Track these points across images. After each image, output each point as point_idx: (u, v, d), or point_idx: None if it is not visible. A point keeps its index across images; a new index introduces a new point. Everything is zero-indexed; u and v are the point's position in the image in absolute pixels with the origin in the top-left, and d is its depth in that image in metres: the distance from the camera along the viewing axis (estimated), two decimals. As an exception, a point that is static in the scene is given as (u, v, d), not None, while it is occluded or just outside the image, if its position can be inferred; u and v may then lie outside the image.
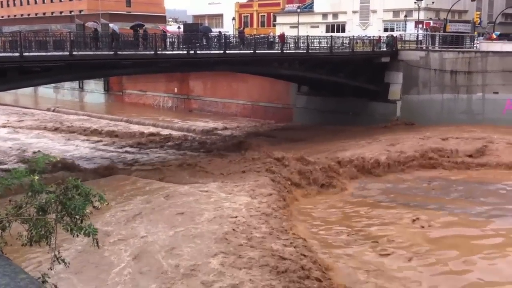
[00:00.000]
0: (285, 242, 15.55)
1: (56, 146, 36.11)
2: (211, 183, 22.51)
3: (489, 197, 22.40)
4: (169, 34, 33.79)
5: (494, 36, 48.13)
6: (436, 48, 39.98)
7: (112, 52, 25.78)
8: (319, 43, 36.83)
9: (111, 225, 17.49)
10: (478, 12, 56.20)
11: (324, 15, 66.86)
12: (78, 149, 35.38)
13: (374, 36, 41.90)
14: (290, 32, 49.14)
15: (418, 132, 33.19)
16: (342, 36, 43.61)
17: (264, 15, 77.29)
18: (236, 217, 17.55)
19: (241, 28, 54.20)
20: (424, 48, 40.42)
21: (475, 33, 48.77)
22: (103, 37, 27.65)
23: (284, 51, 34.33)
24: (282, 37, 36.06)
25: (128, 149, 34.84)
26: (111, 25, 29.35)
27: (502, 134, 30.70)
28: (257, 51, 32.44)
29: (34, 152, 31.67)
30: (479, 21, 54.75)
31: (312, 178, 23.71)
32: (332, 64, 37.55)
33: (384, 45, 40.09)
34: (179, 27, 62.95)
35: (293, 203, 21.18)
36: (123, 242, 16.00)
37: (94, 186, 9.01)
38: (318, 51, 36.29)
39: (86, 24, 30.34)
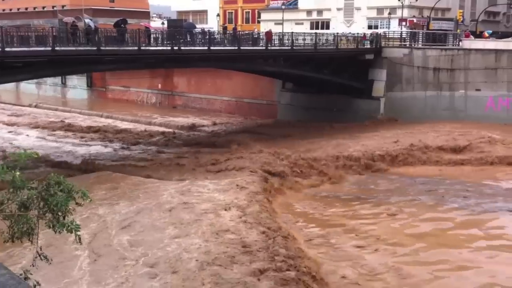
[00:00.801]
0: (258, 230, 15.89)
1: (38, 142, 35.73)
2: (196, 179, 22.49)
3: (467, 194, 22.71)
4: (153, 30, 33.58)
5: (487, 35, 48.72)
6: (420, 46, 40.23)
7: (95, 48, 25.52)
8: (304, 40, 36.86)
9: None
10: (461, 10, 56.73)
11: (309, 12, 66.97)
12: (60, 145, 35.03)
13: (358, 34, 42.07)
14: (274, 29, 49.00)
15: (401, 129, 33.48)
16: (327, 33, 43.69)
17: (248, 12, 77.16)
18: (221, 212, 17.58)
19: (234, 26, 53.93)
20: (407, 45, 40.67)
21: (458, 30, 49.18)
22: (81, 32, 27.23)
23: (269, 48, 34.32)
24: (269, 34, 36.06)
25: (112, 145, 34.58)
26: (86, 20, 28.97)
27: (483, 130, 31.08)
28: (241, 48, 32.38)
29: (14, 148, 31.36)
30: (462, 19, 55.28)
31: (295, 173, 23.77)
32: (317, 61, 37.64)
33: (368, 42, 40.26)
34: (163, 23, 62.65)
35: (275, 198, 21.20)
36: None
37: (77, 182, 8.93)
38: (302, 48, 36.33)
39: (63, 20, 29.82)
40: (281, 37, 36.39)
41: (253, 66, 36.29)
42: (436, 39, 41.92)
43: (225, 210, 17.53)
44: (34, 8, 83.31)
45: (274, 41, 35.52)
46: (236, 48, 32.08)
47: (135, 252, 14.90)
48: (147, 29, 31.08)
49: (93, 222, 17.31)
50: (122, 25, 30.83)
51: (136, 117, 46.08)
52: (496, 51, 36.13)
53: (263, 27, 62.69)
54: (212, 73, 47.10)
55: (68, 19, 28.69)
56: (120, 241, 15.75)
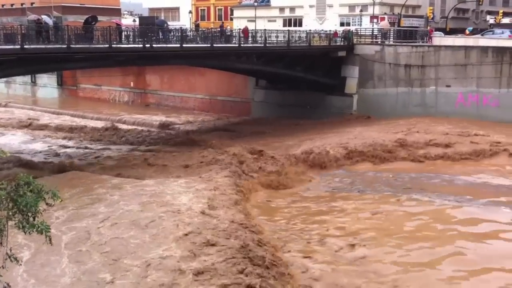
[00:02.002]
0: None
1: (7, 142, 35.08)
2: (169, 177, 22.37)
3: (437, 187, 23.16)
4: (124, 27, 33.18)
5: (468, 32, 49.48)
6: (391, 43, 40.64)
7: (65, 46, 25.12)
8: (277, 37, 36.88)
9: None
10: (431, 7, 57.53)
11: (281, 9, 67.10)
12: (29, 144, 34.46)
13: (330, 31, 42.30)
14: (248, 26, 49.01)
15: (372, 125, 33.80)
16: (299, 30, 43.87)
17: (221, 9, 76.99)
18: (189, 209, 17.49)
19: (197, 23, 53.68)
20: (379, 42, 41.06)
21: (428, 27, 49.85)
22: (44, 30, 26.58)
23: (242, 45, 34.25)
24: (245, 31, 36.00)
25: (83, 144, 34.11)
26: (43, 16, 28.35)
27: (451, 126, 31.63)
28: (214, 45, 32.23)
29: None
30: (432, 16, 56.07)
31: (268, 170, 23.81)
32: (290, 58, 37.75)
33: (340, 39, 40.48)
34: (134, 20, 62.03)
35: (249, 195, 21.21)
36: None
37: (47, 182, 8.78)
38: (275, 45, 36.36)
39: (27, 17, 29.15)
40: (254, 34, 36.40)
41: (226, 64, 36.20)
42: (407, 36, 42.39)
43: (190, 211, 17.31)
44: (3, 5, 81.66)
45: (247, 39, 35.50)
46: (209, 45, 31.94)
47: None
48: (118, 26, 30.65)
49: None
50: (93, 23, 30.40)
51: (108, 115, 45.59)
52: (466, 47, 36.71)
53: (236, 24, 62.63)
54: (185, 70, 46.88)
55: (32, 17, 28.01)
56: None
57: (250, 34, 36.01)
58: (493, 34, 47.29)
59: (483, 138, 28.72)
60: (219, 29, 35.82)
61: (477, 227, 18.23)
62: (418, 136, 29.48)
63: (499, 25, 56.08)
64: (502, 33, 47.04)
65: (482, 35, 46.94)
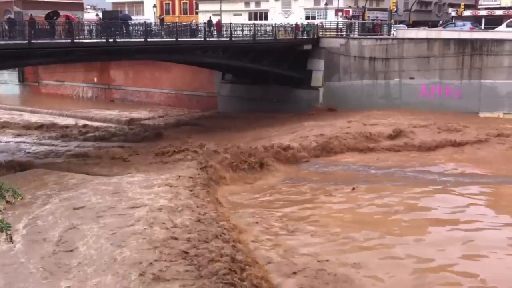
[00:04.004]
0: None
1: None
2: (134, 174, 22.12)
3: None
4: (86, 22, 32.55)
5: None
6: (356, 36, 41.01)
7: (25, 41, 24.55)
8: (242, 30, 36.78)
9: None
10: (395, 1, 58.24)
11: (247, 3, 66.97)
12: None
13: (293, 24, 42.41)
14: (212, 20, 48.72)
15: (338, 118, 34.10)
16: (265, 24, 43.87)
17: (186, 3, 76.33)
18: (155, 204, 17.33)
19: (162, 17, 53.18)
20: (344, 35, 41.37)
21: (392, 20, 50.51)
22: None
23: (208, 39, 34.07)
24: (218, 25, 35.83)
25: (46, 141, 33.37)
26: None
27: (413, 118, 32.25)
28: (179, 39, 31.95)
29: None
30: (395, 9, 56.79)
31: (234, 164, 23.78)
32: (256, 52, 37.71)
33: (300, 32, 40.60)
34: (97, 15, 60.97)
35: (216, 190, 21.13)
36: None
37: (8, 180, 8.55)
38: (241, 39, 36.26)
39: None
40: (214, 28, 36.24)
41: (192, 58, 35.97)
42: (371, 29, 42.86)
43: (160, 210, 17.14)
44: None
45: (212, 33, 35.32)
46: (174, 39, 31.66)
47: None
48: (68, 20, 29.48)
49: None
50: (54, 18, 29.76)
51: (71, 112, 44.79)
52: (428, 40, 37.32)
53: (201, 18, 62.19)
54: (150, 65, 46.38)
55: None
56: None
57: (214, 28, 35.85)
58: (455, 26, 48.25)
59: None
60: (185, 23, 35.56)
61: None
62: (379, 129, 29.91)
63: (461, 17, 57.28)
64: (464, 25, 48.05)
65: (444, 27, 47.84)
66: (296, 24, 41.65)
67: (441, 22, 56.50)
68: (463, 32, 40.90)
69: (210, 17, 43.74)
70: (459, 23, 50.74)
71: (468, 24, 48.27)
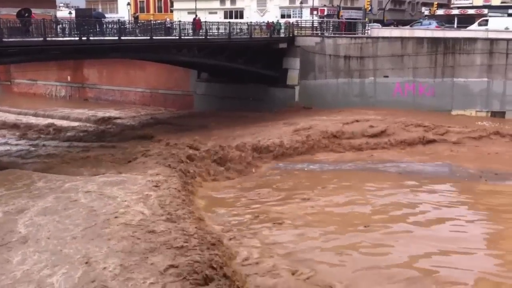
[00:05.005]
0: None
1: None
2: (109, 174, 21.86)
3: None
4: (60, 20, 32.02)
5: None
6: (331, 34, 41.17)
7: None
8: (218, 29, 36.62)
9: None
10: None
11: (222, 1, 66.90)
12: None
13: (265, 22, 42.36)
14: (188, 18, 48.50)
15: (313, 116, 34.26)
16: (241, 23, 43.78)
17: (161, 0, 75.83)
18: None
19: (136, 15, 52.73)
20: (319, 34, 41.51)
21: (366, 19, 50.88)
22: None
23: (182, 37, 33.82)
24: (197, 23, 35.60)
25: (19, 142, 32.84)
26: None
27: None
28: (154, 37, 31.66)
29: None
30: (370, 8, 57.26)
31: (210, 163, 23.72)
32: (231, 50, 37.56)
33: (271, 30, 40.59)
34: (70, 13, 60.20)
35: (191, 189, 21.05)
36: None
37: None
38: (216, 37, 36.10)
39: None
40: (194, 26, 36.01)
41: (167, 56, 35.65)
42: (346, 28, 43.07)
43: (128, 208, 16.97)
44: None
45: (187, 31, 35.08)
46: (149, 38, 31.37)
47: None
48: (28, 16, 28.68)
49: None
50: (26, 15, 29.16)
51: (44, 111, 44.10)
52: (402, 38, 37.62)
53: (176, 17, 61.88)
54: (124, 64, 45.93)
55: None
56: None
57: (190, 27, 35.57)
58: (421, 25, 48.86)
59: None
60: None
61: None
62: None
63: (434, 16, 58.02)
64: (430, 24, 48.74)
65: (411, 26, 48.29)
66: (268, 22, 41.67)
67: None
68: (436, 31, 41.39)
69: (196, 15, 43.57)
70: (426, 21, 51.50)
71: (434, 23, 48.95)
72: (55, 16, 44.46)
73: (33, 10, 33.79)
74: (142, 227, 15.25)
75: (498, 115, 34.46)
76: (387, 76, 37.26)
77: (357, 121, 31.42)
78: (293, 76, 40.00)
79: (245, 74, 39.35)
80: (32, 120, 40.44)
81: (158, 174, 21.05)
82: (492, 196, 21.00)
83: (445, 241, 16.11)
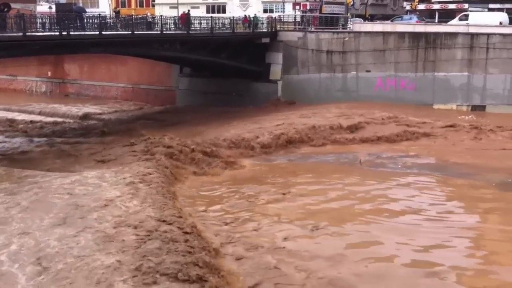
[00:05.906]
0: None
1: None
2: (88, 170, 21.61)
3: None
4: (39, 15, 31.66)
5: None
6: (313, 29, 41.24)
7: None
8: (200, 23, 36.52)
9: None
10: (351, -6, 58.80)
11: (204, -5, 66.54)
12: None
13: (240, 16, 42.38)
14: (169, 13, 48.20)
15: (296, 110, 34.29)
16: (223, 17, 43.64)
17: (142, -5, 75.21)
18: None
19: (117, 10, 52.30)
20: (302, 29, 41.55)
21: (349, 14, 51.00)
22: None
23: (164, 32, 33.66)
24: (183, 18, 35.41)
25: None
26: None
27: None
28: (135, 32, 31.46)
29: None
30: (352, 3, 57.34)
31: (192, 158, 23.60)
32: (214, 45, 37.46)
33: (248, 25, 40.59)
34: (50, 7, 59.41)
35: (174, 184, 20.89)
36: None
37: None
38: (199, 32, 35.99)
39: None
40: (176, 21, 35.83)
41: (149, 51, 35.44)
42: (328, 22, 43.14)
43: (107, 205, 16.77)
44: None
45: (169, 25, 34.89)
46: (130, 32, 31.14)
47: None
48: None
49: None
50: (5, 10, 28.77)
51: (24, 107, 43.55)
52: (384, 33, 37.84)
53: (158, 11, 61.46)
54: (106, 59, 45.54)
55: None
56: None
57: (172, 21, 35.40)
58: (402, 20, 49.14)
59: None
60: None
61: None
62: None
63: (415, 11, 58.31)
64: (410, 19, 49.04)
65: (391, 21, 48.56)
66: (245, 17, 41.65)
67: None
68: (418, 25, 41.65)
69: (188, 10, 43.38)
70: (406, 16, 51.81)
71: (415, 18, 49.27)
72: (35, 11, 44.02)
73: (13, 5, 33.48)
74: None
75: (479, 108, 34.87)
76: (369, 71, 37.45)
77: (338, 116, 31.52)
78: (276, 71, 40.03)
79: (228, 69, 39.29)
80: (10, 115, 39.79)
81: (138, 170, 20.80)
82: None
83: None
